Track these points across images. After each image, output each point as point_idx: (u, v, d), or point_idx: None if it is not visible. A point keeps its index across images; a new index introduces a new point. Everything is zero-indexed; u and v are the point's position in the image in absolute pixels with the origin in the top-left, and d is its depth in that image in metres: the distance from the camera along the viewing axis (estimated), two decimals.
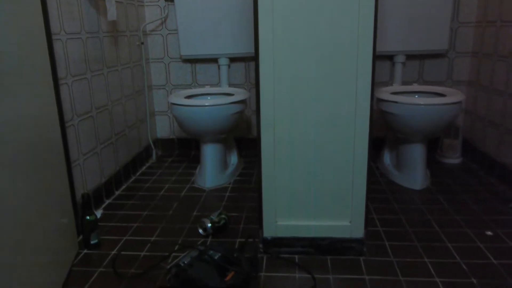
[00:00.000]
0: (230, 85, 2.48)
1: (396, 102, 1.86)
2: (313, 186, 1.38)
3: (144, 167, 2.40)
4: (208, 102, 1.87)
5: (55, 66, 1.52)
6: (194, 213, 1.78)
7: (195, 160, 2.50)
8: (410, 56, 2.37)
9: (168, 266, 1.28)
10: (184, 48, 2.34)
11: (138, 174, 2.29)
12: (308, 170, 1.37)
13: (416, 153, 1.98)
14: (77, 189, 1.67)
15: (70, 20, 1.63)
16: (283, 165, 1.37)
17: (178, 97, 1.97)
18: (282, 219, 1.42)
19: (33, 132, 1.23)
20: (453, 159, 2.34)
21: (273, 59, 1.28)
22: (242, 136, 2.61)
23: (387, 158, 2.24)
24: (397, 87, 2.20)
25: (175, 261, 1.28)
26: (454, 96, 1.84)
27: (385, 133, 2.37)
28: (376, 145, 2.51)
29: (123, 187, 2.10)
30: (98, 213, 1.79)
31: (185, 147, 2.66)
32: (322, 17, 1.24)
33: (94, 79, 1.82)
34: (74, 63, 1.66)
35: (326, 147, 1.34)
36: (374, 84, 1.30)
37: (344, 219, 1.40)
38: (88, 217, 1.49)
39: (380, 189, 1.98)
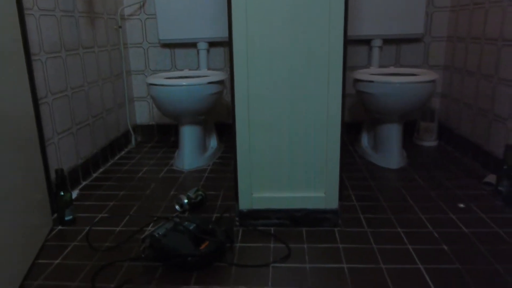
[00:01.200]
0: (209, 69, 2.48)
1: (372, 81, 1.88)
2: (288, 158, 1.39)
3: (123, 152, 2.38)
4: (186, 81, 1.86)
5: (27, 41, 1.50)
6: (172, 192, 1.78)
7: (175, 146, 2.49)
8: (387, 41, 2.41)
9: (142, 236, 1.27)
10: (163, 32, 2.33)
11: (116, 158, 2.27)
12: (282, 142, 1.38)
13: (393, 133, 2.00)
14: (52, 167, 1.65)
15: None
16: (257, 138, 1.38)
17: (156, 78, 1.96)
18: (257, 191, 1.43)
19: (3, 107, 1.21)
20: (430, 141, 2.38)
21: (246, 33, 1.29)
22: (222, 121, 2.61)
23: (364, 140, 2.27)
24: (374, 69, 2.23)
25: (150, 231, 1.27)
26: (427, 75, 1.87)
27: (363, 117, 2.40)
28: (354, 129, 2.54)
29: (101, 170, 2.08)
30: (74, 193, 1.77)
31: (165, 133, 2.65)
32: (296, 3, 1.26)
33: (69, 59, 1.80)
34: (48, 39, 1.64)
35: (299, 121, 1.35)
36: (346, 54, 1.32)
37: (319, 191, 1.42)
38: (62, 193, 1.48)
39: (357, 169, 2.00)
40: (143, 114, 2.63)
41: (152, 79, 1.92)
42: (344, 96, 1.33)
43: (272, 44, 1.30)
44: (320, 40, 1.28)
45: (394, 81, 1.82)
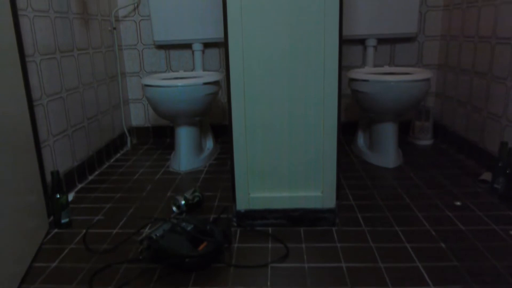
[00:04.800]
0: (204, 70, 2.48)
1: (367, 80, 1.89)
2: (285, 158, 1.39)
3: (119, 154, 2.37)
4: (181, 82, 1.86)
5: (22, 42, 1.49)
6: (169, 194, 1.77)
7: (171, 147, 2.49)
8: (381, 41, 2.42)
9: (140, 238, 1.26)
10: (157, 33, 2.33)
11: (112, 160, 2.26)
12: (279, 142, 1.38)
13: (388, 132, 2.01)
14: (47, 169, 1.64)
15: None
16: (254, 138, 1.38)
17: (151, 79, 1.95)
18: (254, 191, 1.43)
19: None
20: (425, 140, 2.39)
21: (242, 34, 1.29)
22: (218, 123, 2.61)
23: (360, 139, 2.27)
24: (369, 69, 2.24)
25: (147, 232, 1.26)
26: (422, 73, 1.88)
27: (358, 117, 2.40)
28: (350, 129, 2.55)
29: (96, 172, 2.07)
30: (70, 196, 1.76)
31: (161, 135, 2.64)
32: (290, 5, 1.26)
33: (64, 60, 1.79)
34: (42, 40, 1.63)
35: (296, 120, 1.35)
36: (342, 55, 1.32)
37: (316, 190, 1.42)
38: (58, 195, 1.46)
39: (353, 168, 2.01)
40: (139, 116, 2.62)
41: (147, 80, 1.92)
42: (340, 96, 1.33)
43: (267, 45, 1.30)
44: (316, 40, 1.29)
45: (389, 79, 1.82)
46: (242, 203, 1.43)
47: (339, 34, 1.28)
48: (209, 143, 2.31)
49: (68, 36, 1.83)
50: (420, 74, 1.86)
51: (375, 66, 2.44)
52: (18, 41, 1.44)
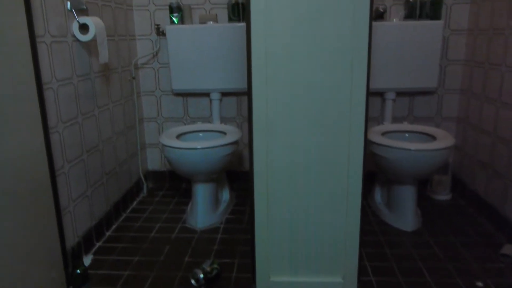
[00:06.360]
0: (221, 118, 2.48)
1: (386, 146, 1.87)
2: (306, 242, 1.38)
3: (135, 202, 2.38)
4: (200, 144, 1.86)
5: (46, 115, 1.49)
6: (186, 259, 1.77)
7: (186, 194, 2.49)
8: (400, 93, 2.40)
9: None
10: (176, 82, 2.34)
11: (128, 211, 2.27)
12: (301, 226, 1.37)
13: (407, 194, 1.99)
14: (67, 237, 1.64)
15: (62, 66, 1.61)
16: (275, 222, 1.37)
17: (169, 138, 1.96)
18: (275, 275, 1.42)
19: (21, 182, 1.23)
20: (443, 195, 2.36)
21: (266, 96, 1.29)
22: (234, 169, 2.60)
23: (378, 195, 2.25)
24: (387, 125, 2.22)
25: None
26: (444, 140, 1.86)
27: (376, 169, 2.38)
28: (367, 180, 2.53)
29: (114, 227, 2.08)
30: (88, 258, 1.76)
31: (176, 180, 2.65)
32: (317, 60, 1.25)
33: (85, 122, 1.80)
34: (65, 108, 1.64)
35: (318, 203, 1.35)
36: (367, 123, 1.31)
37: (337, 275, 1.40)
38: (78, 271, 1.47)
39: (371, 231, 1.99)
40: (155, 160, 2.63)
41: (166, 140, 1.92)
42: (364, 173, 1.32)
43: (292, 105, 1.30)
44: (343, 108, 1.28)
45: (409, 147, 1.81)
46: (262, 287, 1.42)
47: (366, 100, 1.27)
48: (225, 194, 2.31)
49: (90, 97, 1.85)
50: (442, 141, 1.84)
51: (393, 118, 2.42)
52: (42, 113, 1.45)
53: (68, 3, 1.65)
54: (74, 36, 1.69)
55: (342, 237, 1.38)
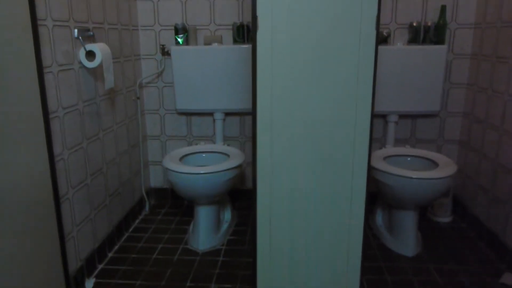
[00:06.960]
0: (224, 137, 2.50)
1: (388, 172, 1.88)
2: (307, 274, 1.40)
3: (137, 221, 2.39)
4: (204, 169, 1.88)
5: (51, 143, 1.51)
6: (188, 284, 1.78)
7: (188, 212, 2.50)
8: (403, 115, 2.41)
9: None
10: (180, 102, 2.35)
11: (131, 230, 2.29)
12: (302, 263, 1.38)
13: (408, 219, 2.00)
14: (70, 262, 1.66)
15: (68, 93, 1.63)
16: (277, 253, 1.39)
17: (173, 162, 1.98)
18: None
19: (25, 209, 1.26)
20: (444, 217, 2.37)
21: (271, 117, 1.32)
22: (236, 187, 2.62)
23: (379, 218, 2.26)
24: (389, 149, 2.23)
25: None
26: (446, 168, 1.87)
27: (377, 191, 2.39)
28: (368, 201, 2.53)
29: (116, 247, 2.09)
30: (91, 281, 1.78)
31: (179, 197, 2.66)
32: (321, 85, 1.28)
33: (90, 146, 1.82)
34: (70, 135, 1.66)
35: (319, 239, 1.36)
36: (371, 153, 1.33)
37: None
38: None
39: (372, 255, 2.00)
40: (157, 177, 2.64)
41: (169, 164, 1.94)
42: (367, 203, 1.34)
43: (296, 127, 1.33)
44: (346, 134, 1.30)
45: (410, 175, 1.82)
46: None
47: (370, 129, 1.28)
48: (227, 214, 2.32)
49: (95, 120, 1.86)
50: (444, 169, 1.85)
51: (395, 140, 2.43)
52: (48, 142, 1.48)
53: (75, 31, 1.67)
54: (80, 63, 1.71)
55: (344, 268, 1.39)
